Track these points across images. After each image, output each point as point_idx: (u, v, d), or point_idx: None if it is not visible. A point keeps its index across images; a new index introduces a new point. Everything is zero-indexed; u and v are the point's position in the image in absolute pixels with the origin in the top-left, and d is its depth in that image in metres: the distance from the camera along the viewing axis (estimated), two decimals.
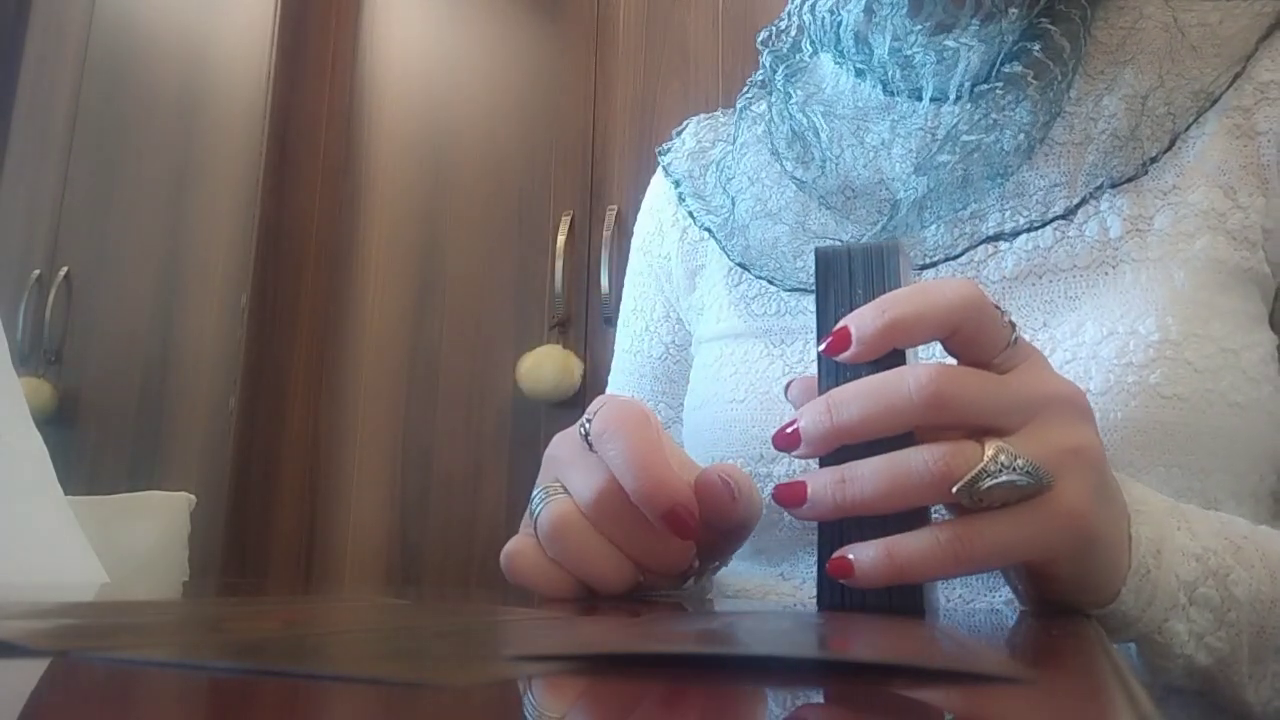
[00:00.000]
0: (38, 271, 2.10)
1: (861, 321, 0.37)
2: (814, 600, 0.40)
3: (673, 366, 0.73)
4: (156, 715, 0.19)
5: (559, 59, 1.76)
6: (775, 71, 0.69)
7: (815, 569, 0.39)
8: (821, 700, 0.21)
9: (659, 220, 0.76)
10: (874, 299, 0.39)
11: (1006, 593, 0.52)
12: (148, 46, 2.12)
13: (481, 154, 1.80)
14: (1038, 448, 0.37)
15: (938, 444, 0.36)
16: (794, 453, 0.38)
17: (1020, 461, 0.36)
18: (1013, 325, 0.39)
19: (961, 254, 0.58)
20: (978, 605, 0.53)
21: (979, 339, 0.38)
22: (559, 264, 1.61)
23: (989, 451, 0.36)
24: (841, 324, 0.38)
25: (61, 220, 2.13)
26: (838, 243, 0.42)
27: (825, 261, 0.41)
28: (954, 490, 0.35)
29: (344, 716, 0.19)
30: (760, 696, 0.21)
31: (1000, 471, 0.35)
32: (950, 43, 0.58)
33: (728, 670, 0.23)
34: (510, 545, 0.45)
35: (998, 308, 0.39)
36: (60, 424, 1.97)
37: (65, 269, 2.07)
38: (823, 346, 0.39)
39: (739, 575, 0.62)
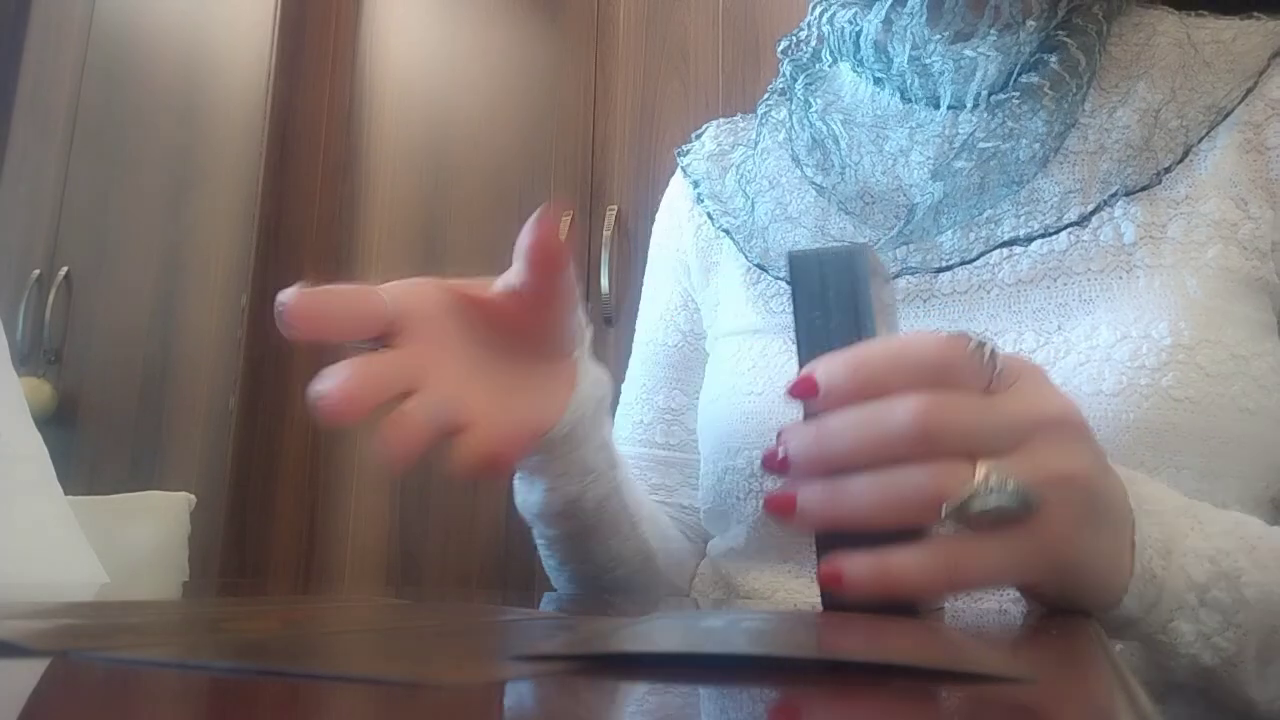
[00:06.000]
0: (38, 271, 2.09)
1: (830, 375, 0.37)
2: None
3: (689, 354, 0.75)
4: (156, 715, 0.19)
5: (559, 59, 1.76)
6: (795, 80, 0.71)
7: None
8: (822, 700, 0.21)
9: (676, 218, 0.78)
10: (842, 303, 0.39)
11: (1013, 591, 0.53)
12: (148, 46, 2.12)
13: (481, 154, 1.80)
14: (1029, 472, 0.36)
15: (929, 464, 0.36)
16: (783, 477, 0.38)
17: (1010, 485, 0.36)
18: (994, 358, 0.38)
19: (977, 258, 0.59)
20: (986, 604, 0.54)
21: (955, 387, 0.37)
22: None
23: (980, 474, 0.36)
24: (808, 370, 0.38)
25: (61, 220, 2.13)
26: (807, 248, 0.43)
27: (796, 266, 0.41)
28: (943, 513, 0.35)
29: (344, 716, 0.19)
30: (760, 696, 0.21)
31: (990, 495, 0.36)
32: (969, 52, 0.60)
33: (728, 670, 0.23)
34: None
35: (981, 343, 0.38)
36: (60, 424, 1.97)
37: (65, 269, 2.07)
38: (790, 388, 0.38)
39: (748, 573, 0.62)
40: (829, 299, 0.41)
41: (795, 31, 0.73)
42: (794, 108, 0.70)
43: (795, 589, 0.59)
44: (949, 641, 0.30)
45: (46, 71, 2.26)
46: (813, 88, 0.70)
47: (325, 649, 0.27)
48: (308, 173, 1.94)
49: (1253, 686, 0.45)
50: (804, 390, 0.37)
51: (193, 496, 1.66)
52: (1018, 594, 0.52)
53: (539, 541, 0.63)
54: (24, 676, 0.22)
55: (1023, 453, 0.37)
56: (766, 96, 0.74)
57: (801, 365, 0.40)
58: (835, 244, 0.42)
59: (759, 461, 0.60)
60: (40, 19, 2.31)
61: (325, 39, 1.98)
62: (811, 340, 0.41)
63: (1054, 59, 0.59)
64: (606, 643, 0.27)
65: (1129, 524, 0.41)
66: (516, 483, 0.58)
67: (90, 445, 1.95)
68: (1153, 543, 0.42)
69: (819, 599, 0.40)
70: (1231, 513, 0.47)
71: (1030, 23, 0.59)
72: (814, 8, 0.68)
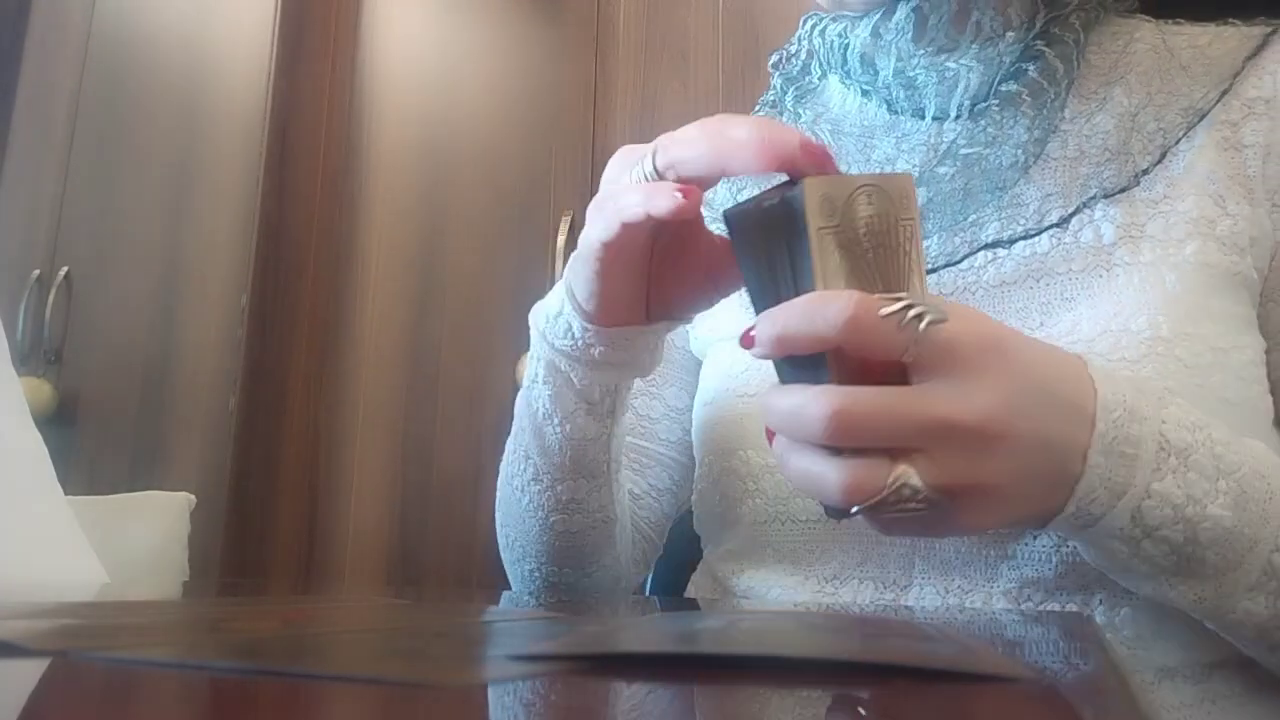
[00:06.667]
0: (38, 271, 2.10)
1: (761, 329, 0.42)
2: (817, 600, 0.40)
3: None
4: (156, 715, 0.19)
5: (559, 59, 1.76)
6: (785, 93, 0.73)
7: (821, 566, 0.46)
8: (822, 700, 0.21)
9: None
10: (784, 253, 0.43)
11: (1003, 584, 0.54)
12: (148, 46, 2.12)
13: (481, 154, 1.80)
14: (939, 477, 0.40)
15: (845, 462, 0.40)
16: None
17: (921, 494, 0.40)
18: (917, 323, 0.40)
19: (961, 260, 0.60)
20: (975, 598, 0.54)
21: (867, 351, 0.41)
22: (559, 264, 1.61)
23: (891, 481, 0.40)
24: (750, 325, 0.43)
25: (61, 220, 2.13)
26: (742, 204, 0.44)
27: (732, 223, 0.44)
28: (853, 512, 0.40)
29: (344, 716, 0.19)
30: (760, 696, 0.21)
31: (900, 503, 0.40)
32: (951, 64, 0.62)
33: (728, 670, 0.23)
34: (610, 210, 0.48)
35: (906, 307, 0.40)
36: (60, 424, 1.97)
37: (65, 269, 2.07)
38: (740, 338, 0.44)
39: (743, 574, 0.63)
40: (766, 251, 0.43)
41: (786, 46, 0.74)
42: (784, 119, 0.71)
43: (789, 586, 0.59)
44: (949, 641, 0.30)
45: (46, 71, 2.26)
46: (803, 100, 0.72)
47: (325, 649, 0.27)
48: (308, 173, 1.94)
49: (1208, 613, 0.46)
50: (746, 344, 0.43)
51: (193, 496, 1.66)
52: (1006, 589, 0.53)
53: (517, 463, 0.63)
54: (24, 676, 0.22)
55: (935, 456, 0.40)
56: (757, 108, 0.76)
57: (755, 310, 0.45)
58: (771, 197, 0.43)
59: (754, 462, 0.61)
60: (40, 19, 2.31)
61: (325, 39, 1.98)
62: (756, 290, 0.45)
63: (1032, 68, 0.61)
64: (606, 643, 0.27)
65: (1067, 490, 0.43)
66: (539, 385, 0.58)
67: (90, 445, 1.95)
68: (1105, 484, 0.43)
69: (814, 599, 0.41)
70: (1253, 445, 0.47)
71: (1010, 34, 0.62)
72: (805, 22, 0.70)
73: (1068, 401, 0.43)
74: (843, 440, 0.40)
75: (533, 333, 0.58)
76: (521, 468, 0.63)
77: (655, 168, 0.47)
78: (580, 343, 0.55)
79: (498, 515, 0.69)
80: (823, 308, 0.40)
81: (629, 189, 0.47)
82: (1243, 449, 0.46)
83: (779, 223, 0.42)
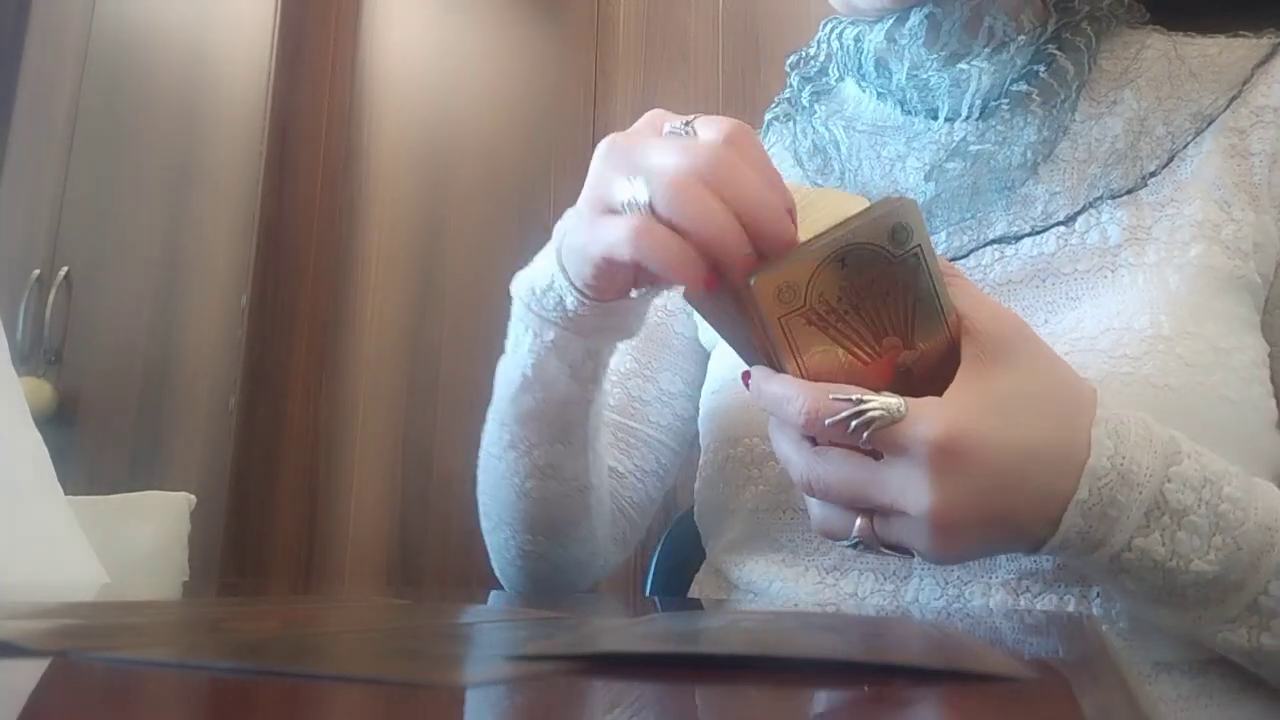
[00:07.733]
0: (38, 271, 2.09)
1: (751, 389, 0.46)
2: (818, 592, 0.41)
3: (663, 334, 0.75)
4: (156, 715, 0.19)
5: (559, 59, 1.76)
6: (802, 91, 0.74)
7: (821, 557, 0.50)
8: (821, 700, 0.21)
9: None
10: (752, 328, 0.45)
11: (1002, 575, 0.54)
12: (148, 46, 2.12)
13: (481, 154, 1.80)
14: (898, 537, 0.45)
15: (823, 508, 0.46)
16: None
17: (879, 547, 0.45)
18: (866, 426, 0.42)
19: (968, 255, 0.61)
20: (974, 588, 0.54)
21: (830, 438, 0.44)
22: None
23: (855, 531, 0.45)
24: (746, 372, 0.47)
25: (61, 220, 2.13)
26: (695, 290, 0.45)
27: (693, 304, 0.47)
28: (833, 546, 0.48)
29: (344, 716, 0.19)
30: (760, 696, 0.21)
31: (865, 550, 0.46)
32: (963, 66, 0.63)
33: (727, 670, 0.23)
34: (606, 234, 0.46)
35: (858, 412, 0.42)
36: (60, 424, 1.97)
37: (65, 269, 2.07)
38: (741, 375, 0.48)
39: (744, 566, 0.63)
40: (735, 324, 0.46)
41: (804, 48, 0.76)
42: (799, 116, 0.73)
43: (789, 578, 0.60)
44: (949, 641, 0.30)
45: (46, 71, 2.26)
46: (818, 99, 0.73)
47: (325, 649, 0.27)
48: (308, 173, 1.94)
49: (1190, 630, 0.48)
50: (745, 383, 0.48)
51: (193, 496, 1.66)
52: (1004, 580, 0.54)
53: (494, 430, 0.64)
54: (24, 676, 0.22)
55: (895, 520, 0.44)
56: (774, 105, 0.77)
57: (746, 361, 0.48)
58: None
59: (758, 449, 0.61)
60: (40, 19, 2.31)
61: (325, 39, 1.98)
62: (735, 346, 0.48)
63: (1044, 70, 0.63)
64: (605, 642, 0.27)
65: (1038, 544, 0.45)
66: (523, 351, 0.58)
67: (90, 445, 1.95)
68: (1082, 538, 0.44)
69: (815, 590, 0.42)
70: (1265, 491, 0.47)
71: (1021, 37, 0.63)
72: (824, 25, 0.72)
73: (1038, 487, 0.44)
74: (815, 493, 0.46)
75: (515, 302, 0.58)
76: (499, 434, 0.63)
77: (650, 204, 0.43)
78: (572, 313, 0.55)
79: (478, 485, 0.69)
80: (784, 404, 0.44)
81: (656, 236, 0.42)
82: (1253, 502, 0.46)
83: (742, 305, 0.42)
